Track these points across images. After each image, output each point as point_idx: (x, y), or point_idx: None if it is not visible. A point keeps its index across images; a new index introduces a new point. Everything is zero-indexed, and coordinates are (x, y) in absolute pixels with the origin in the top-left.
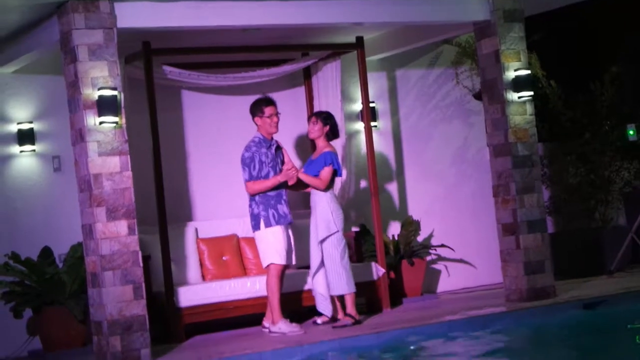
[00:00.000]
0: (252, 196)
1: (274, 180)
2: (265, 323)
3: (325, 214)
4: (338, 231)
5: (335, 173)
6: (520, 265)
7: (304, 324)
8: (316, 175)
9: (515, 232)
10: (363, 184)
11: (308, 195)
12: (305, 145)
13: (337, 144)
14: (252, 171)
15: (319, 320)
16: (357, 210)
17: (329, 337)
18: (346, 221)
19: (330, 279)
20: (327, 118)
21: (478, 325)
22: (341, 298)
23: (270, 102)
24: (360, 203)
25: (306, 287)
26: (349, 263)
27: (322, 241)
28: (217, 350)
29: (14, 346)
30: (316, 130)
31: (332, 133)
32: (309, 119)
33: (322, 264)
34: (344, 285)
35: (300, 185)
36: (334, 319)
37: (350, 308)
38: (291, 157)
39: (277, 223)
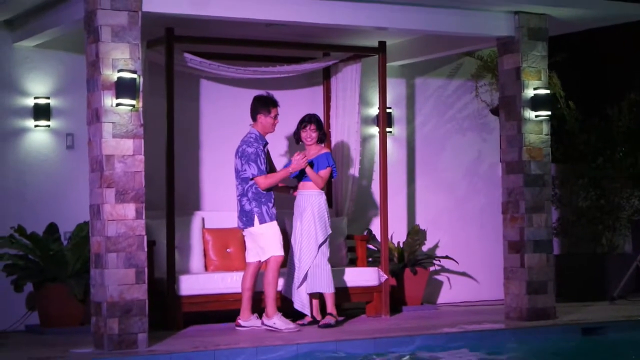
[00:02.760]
0: (244, 192)
1: (284, 172)
2: (241, 321)
3: (322, 215)
4: (330, 232)
5: (331, 175)
6: (523, 284)
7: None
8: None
9: (521, 251)
10: (373, 188)
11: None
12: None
13: (352, 147)
14: (261, 166)
15: (305, 321)
16: (364, 215)
17: (325, 339)
18: (353, 225)
19: (317, 277)
20: (320, 124)
21: (475, 340)
22: (319, 297)
23: (277, 103)
24: (368, 207)
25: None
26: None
27: (322, 243)
28: (213, 341)
29: (11, 319)
30: (314, 137)
31: (324, 136)
32: (304, 125)
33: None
34: (329, 284)
35: (283, 188)
36: (314, 319)
37: (332, 307)
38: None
39: (271, 219)
